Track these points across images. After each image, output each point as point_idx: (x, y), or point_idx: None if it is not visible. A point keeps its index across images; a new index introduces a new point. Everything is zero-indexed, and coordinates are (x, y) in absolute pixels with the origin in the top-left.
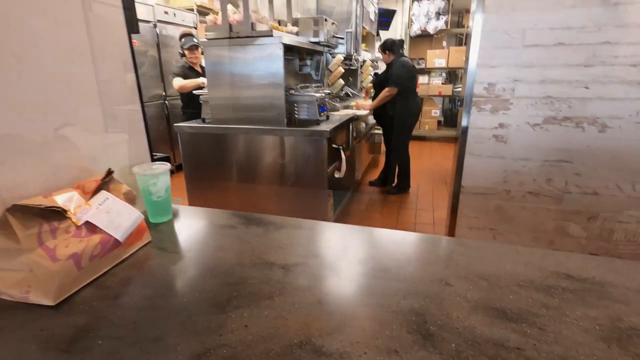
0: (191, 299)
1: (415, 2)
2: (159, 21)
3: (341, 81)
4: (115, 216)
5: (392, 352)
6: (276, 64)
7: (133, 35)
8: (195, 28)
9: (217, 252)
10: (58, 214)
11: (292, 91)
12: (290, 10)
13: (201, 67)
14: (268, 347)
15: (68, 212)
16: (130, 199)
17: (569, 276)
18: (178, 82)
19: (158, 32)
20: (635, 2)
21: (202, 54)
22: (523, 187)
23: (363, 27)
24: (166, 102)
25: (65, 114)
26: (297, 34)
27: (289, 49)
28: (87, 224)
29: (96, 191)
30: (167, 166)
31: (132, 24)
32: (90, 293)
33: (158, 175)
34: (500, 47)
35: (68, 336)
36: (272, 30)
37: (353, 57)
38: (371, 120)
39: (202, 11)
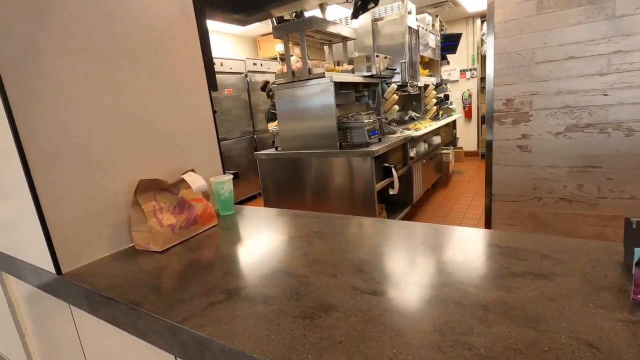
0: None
1: (485, 23)
2: (249, 71)
3: (396, 107)
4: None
5: None
6: (328, 99)
7: (227, 84)
8: None
9: (259, 229)
10: (166, 197)
11: (344, 119)
12: (346, 52)
13: None
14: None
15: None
16: (205, 195)
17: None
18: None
19: (248, 80)
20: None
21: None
22: (553, 193)
23: (422, 56)
24: (254, 136)
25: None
26: (352, 71)
27: (344, 84)
28: (179, 206)
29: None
30: (230, 176)
31: (212, 84)
32: (180, 247)
33: (224, 182)
34: (513, 66)
35: (167, 265)
36: (324, 72)
37: (409, 84)
38: (436, 140)
39: (285, 58)
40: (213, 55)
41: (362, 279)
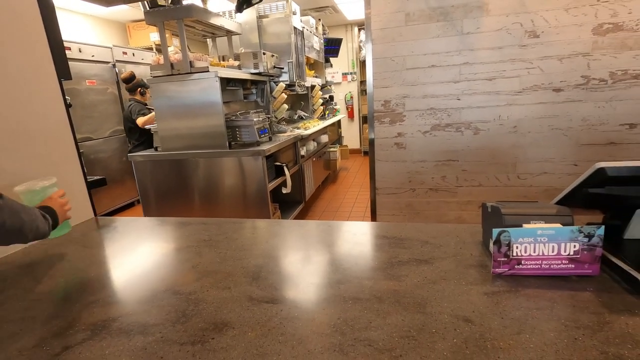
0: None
1: (362, 30)
2: (118, 61)
3: (285, 106)
4: None
5: None
6: (214, 95)
7: (89, 75)
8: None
9: (136, 243)
10: None
11: (233, 117)
12: (231, 47)
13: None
14: None
15: None
16: None
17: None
18: (144, 119)
19: (117, 71)
20: (481, 32)
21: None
22: (424, 184)
23: (308, 57)
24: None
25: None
26: (239, 67)
27: (230, 81)
28: None
29: None
30: (52, 180)
31: (63, 71)
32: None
33: (38, 190)
34: (389, 70)
35: None
36: (208, 66)
37: (296, 83)
38: (324, 139)
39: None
40: (68, 39)
41: (258, 287)
